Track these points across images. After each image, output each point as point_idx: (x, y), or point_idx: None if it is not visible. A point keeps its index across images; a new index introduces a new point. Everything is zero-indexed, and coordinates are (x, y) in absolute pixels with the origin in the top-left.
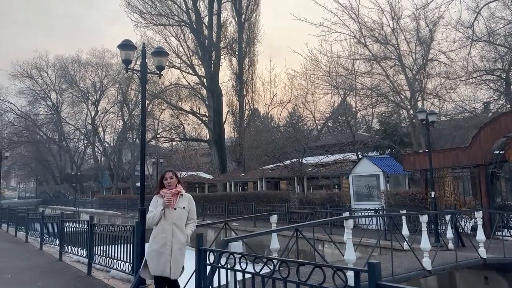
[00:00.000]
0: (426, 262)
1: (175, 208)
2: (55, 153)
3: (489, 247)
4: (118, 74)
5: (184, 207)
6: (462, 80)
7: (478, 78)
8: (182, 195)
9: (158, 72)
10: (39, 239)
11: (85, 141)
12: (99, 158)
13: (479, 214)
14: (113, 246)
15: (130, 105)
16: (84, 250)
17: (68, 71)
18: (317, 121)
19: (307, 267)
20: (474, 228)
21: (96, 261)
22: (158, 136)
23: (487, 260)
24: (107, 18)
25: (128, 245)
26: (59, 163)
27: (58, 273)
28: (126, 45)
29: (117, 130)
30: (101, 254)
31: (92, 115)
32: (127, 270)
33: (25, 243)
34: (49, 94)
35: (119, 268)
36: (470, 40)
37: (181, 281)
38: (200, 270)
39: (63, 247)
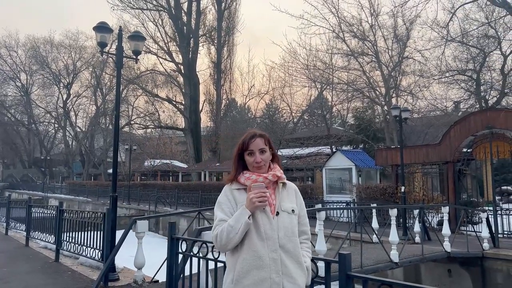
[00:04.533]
0: (394, 255)
1: (277, 213)
2: (24, 136)
3: (454, 241)
4: (92, 57)
5: (293, 210)
6: (435, 79)
7: (450, 77)
8: (285, 184)
9: (135, 56)
10: (5, 224)
11: (56, 125)
12: (70, 143)
13: (445, 210)
14: (82, 232)
15: (104, 90)
16: (52, 236)
17: (40, 52)
18: (293, 114)
19: None
20: (440, 223)
21: (65, 247)
22: (132, 122)
23: (451, 254)
24: None
25: (98, 232)
26: (27, 147)
27: (24, 259)
28: (102, 27)
29: (89, 115)
30: (70, 240)
31: (64, 99)
32: (96, 257)
33: None
34: (18, 75)
35: (88, 255)
36: (444, 40)
37: (152, 270)
38: (172, 258)
39: (30, 233)
